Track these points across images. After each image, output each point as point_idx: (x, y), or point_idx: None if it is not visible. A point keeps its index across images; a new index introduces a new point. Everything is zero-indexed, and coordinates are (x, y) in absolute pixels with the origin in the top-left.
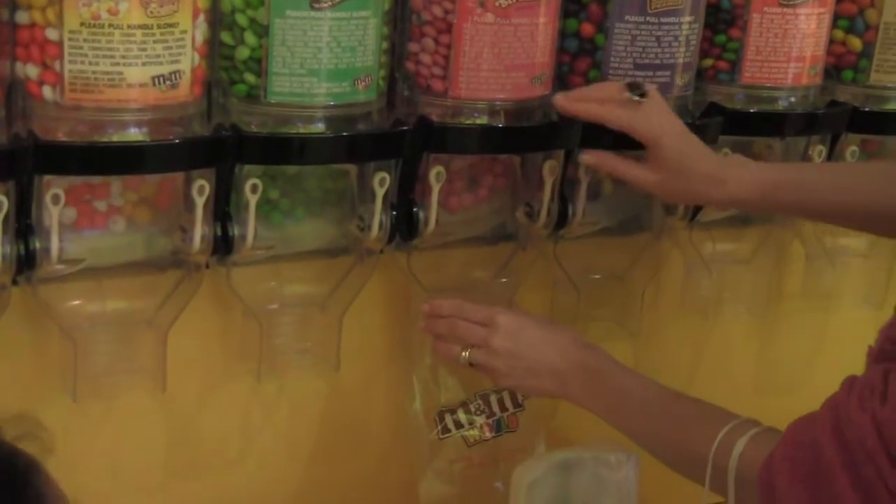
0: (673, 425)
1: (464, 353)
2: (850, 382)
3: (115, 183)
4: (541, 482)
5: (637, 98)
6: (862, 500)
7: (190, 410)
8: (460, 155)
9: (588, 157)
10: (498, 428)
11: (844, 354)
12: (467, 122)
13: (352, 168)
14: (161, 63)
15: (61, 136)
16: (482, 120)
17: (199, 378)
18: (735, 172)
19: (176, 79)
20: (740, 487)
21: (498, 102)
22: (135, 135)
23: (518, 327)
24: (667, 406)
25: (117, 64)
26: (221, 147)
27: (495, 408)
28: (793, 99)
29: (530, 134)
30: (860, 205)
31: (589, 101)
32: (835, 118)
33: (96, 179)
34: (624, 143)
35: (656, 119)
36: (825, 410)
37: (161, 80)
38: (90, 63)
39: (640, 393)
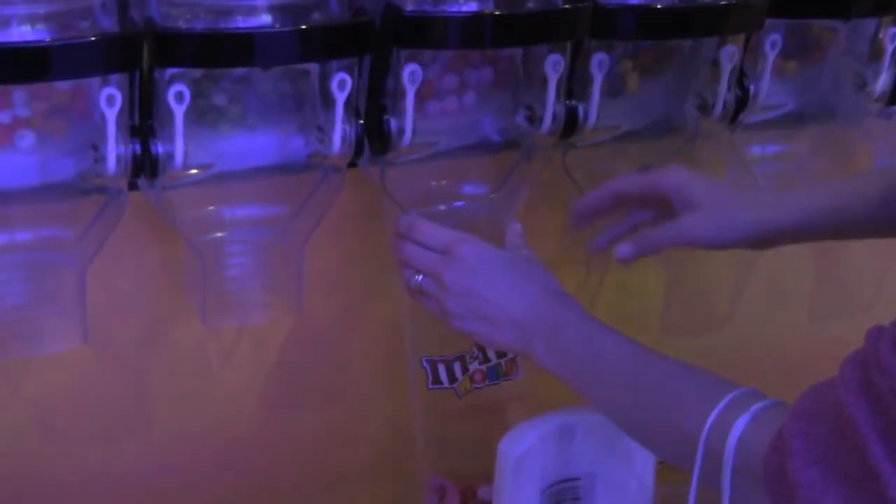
0: (655, 398)
1: (417, 277)
2: (878, 331)
3: (18, 91)
4: (533, 454)
5: None
6: None
7: (128, 358)
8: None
9: (624, 250)
10: (494, 376)
11: None
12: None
13: (311, 67)
14: None
15: None
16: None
17: (138, 321)
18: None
19: None
20: (740, 479)
21: None
22: (25, 32)
23: (480, 262)
24: (648, 373)
25: None
26: (132, 47)
27: (491, 353)
28: None
29: (528, 22)
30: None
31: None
32: None
33: None
34: None
35: (674, 169)
36: (847, 368)
37: None
38: None
39: (617, 356)
